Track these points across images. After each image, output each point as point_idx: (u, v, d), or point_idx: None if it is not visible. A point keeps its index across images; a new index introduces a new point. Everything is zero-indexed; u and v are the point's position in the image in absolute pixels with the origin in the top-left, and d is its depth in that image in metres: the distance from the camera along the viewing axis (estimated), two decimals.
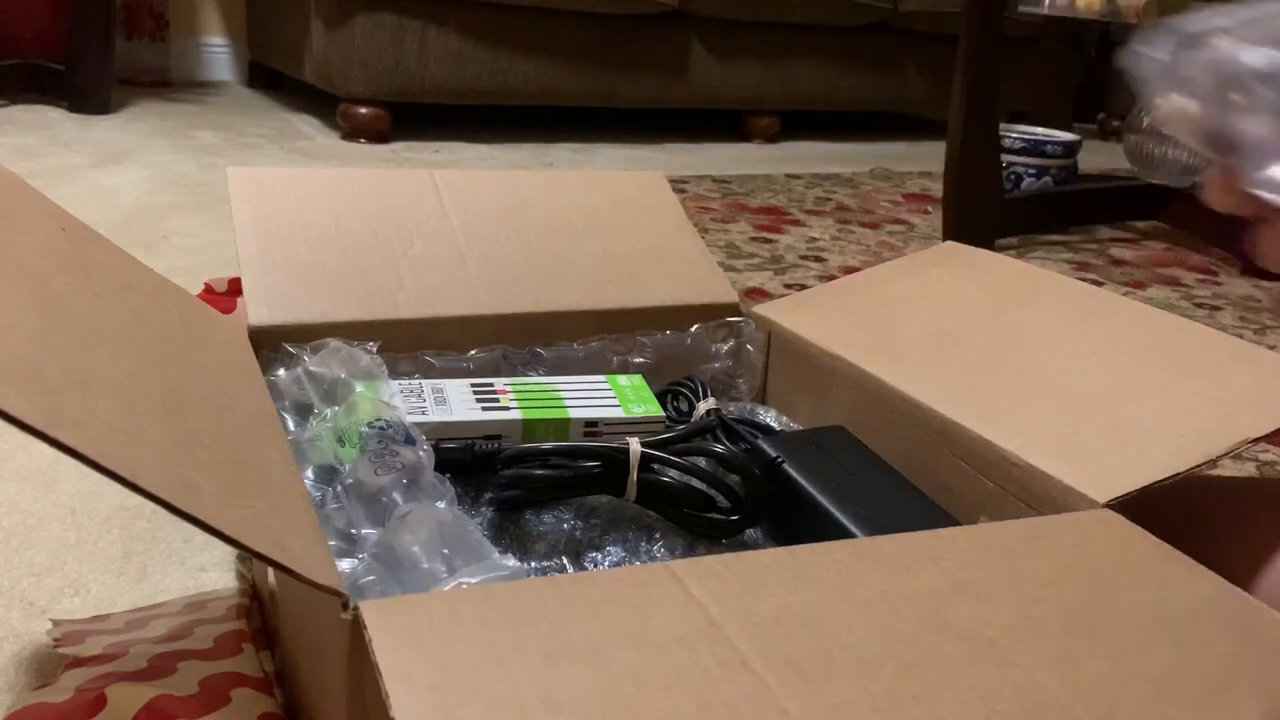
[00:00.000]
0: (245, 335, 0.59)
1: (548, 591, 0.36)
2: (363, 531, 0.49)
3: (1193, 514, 0.52)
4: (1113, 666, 0.36)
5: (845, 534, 0.52)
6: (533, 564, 0.53)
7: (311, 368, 0.58)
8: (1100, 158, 2.53)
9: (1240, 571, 0.47)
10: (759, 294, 1.26)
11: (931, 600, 0.38)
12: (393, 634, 0.33)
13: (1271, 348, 0.57)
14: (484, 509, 0.56)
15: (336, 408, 0.56)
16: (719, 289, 0.73)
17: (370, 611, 0.34)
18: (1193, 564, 0.42)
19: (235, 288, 0.98)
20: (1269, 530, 0.49)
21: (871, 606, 0.37)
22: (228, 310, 0.78)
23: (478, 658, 0.32)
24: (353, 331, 0.62)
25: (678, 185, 1.82)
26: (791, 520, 0.56)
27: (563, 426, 0.61)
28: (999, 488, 0.52)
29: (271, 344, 0.60)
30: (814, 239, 1.57)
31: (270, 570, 0.46)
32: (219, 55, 2.58)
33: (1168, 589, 0.41)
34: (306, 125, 2.13)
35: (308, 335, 0.61)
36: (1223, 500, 0.54)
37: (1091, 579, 0.40)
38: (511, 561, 0.45)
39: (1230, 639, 0.38)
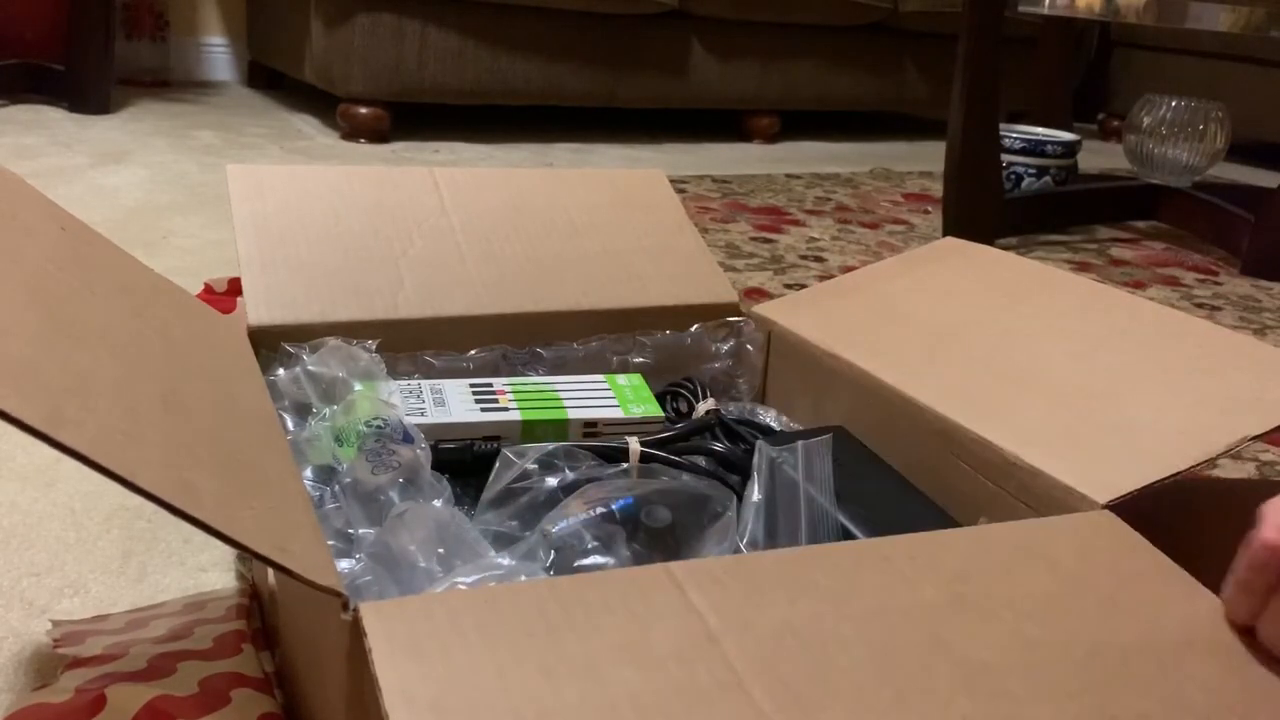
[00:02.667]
0: (245, 335, 0.59)
1: (548, 595, 0.36)
2: (360, 531, 0.49)
3: (1191, 513, 0.52)
4: (1102, 700, 0.35)
5: (845, 535, 0.52)
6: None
7: (311, 367, 0.58)
8: (1100, 158, 2.53)
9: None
10: (759, 294, 1.26)
11: (929, 615, 0.38)
12: (392, 643, 0.33)
13: None
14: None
15: (335, 407, 0.55)
16: (719, 289, 0.73)
17: (370, 614, 0.34)
18: (1189, 580, 0.42)
19: (235, 288, 0.98)
20: None
21: (870, 623, 0.37)
22: (228, 310, 0.78)
23: (476, 671, 0.32)
24: (352, 331, 0.62)
25: (678, 185, 1.82)
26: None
27: (562, 427, 0.61)
28: (999, 488, 0.52)
29: (271, 344, 0.60)
30: (814, 239, 1.57)
31: (270, 570, 0.46)
32: (219, 55, 2.58)
33: (1163, 609, 0.40)
34: (306, 125, 2.13)
35: (307, 335, 0.61)
36: (1221, 500, 0.54)
37: (1088, 597, 0.40)
38: (507, 561, 0.45)
39: (1220, 673, 0.38)
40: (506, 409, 0.60)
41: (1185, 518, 0.48)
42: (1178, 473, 0.48)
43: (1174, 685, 0.37)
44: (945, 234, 1.57)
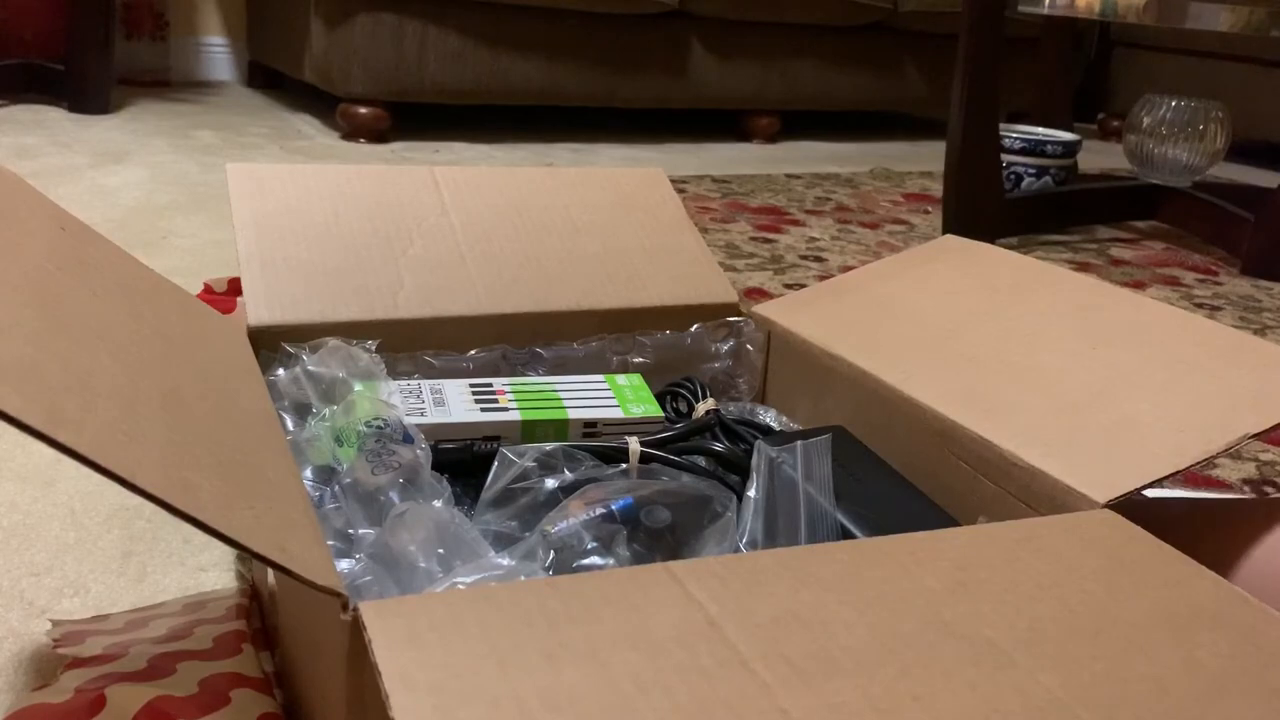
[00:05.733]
0: (245, 335, 0.59)
1: (547, 592, 0.36)
2: (360, 531, 0.49)
3: (1187, 532, 0.52)
4: (1113, 666, 0.36)
5: (845, 535, 0.52)
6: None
7: (310, 367, 0.58)
8: (1100, 158, 2.53)
9: (1233, 570, 0.47)
10: (759, 294, 1.26)
11: (931, 600, 0.38)
12: (392, 635, 0.33)
13: None
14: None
15: (335, 407, 0.55)
16: (719, 288, 0.73)
17: (370, 612, 0.34)
18: (1193, 564, 0.42)
19: (235, 288, 0.98)
20: (1261, 529, 0.49)
21: (871, 606, 0.37)
22: (228, 310, 0.78)
23: (477, 658, 0.32)
24: (352, 331, 0.62)
25: (678, 185, 1.82)
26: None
27: (561, 427, 0.61)
28: (999, 488, 0.52)
29: (271, 344, 0.60)
30: (814, 239, 1.57)
31: (270, 570, 0.46)
32: (219, 55, 2.58)
33: (1168, 589, 0.40)
34: (306, 125, 2.13)
35: (307, 335, 0.61)
36: (1216, 520, 0.54)
37: (1091, 579, 0.40)
38: (507, 561, 0.45)
39: (1231, 639, 0.38)
40: (506, 409, 0.60)
41: (1181, 536, 0.48)
42: (1177, 471, 0.48)
43: (1185, 652, 0.37)
44: (945, 234, 1.57)
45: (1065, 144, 1.78)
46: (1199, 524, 0.52)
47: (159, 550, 0.64)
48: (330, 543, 0.47)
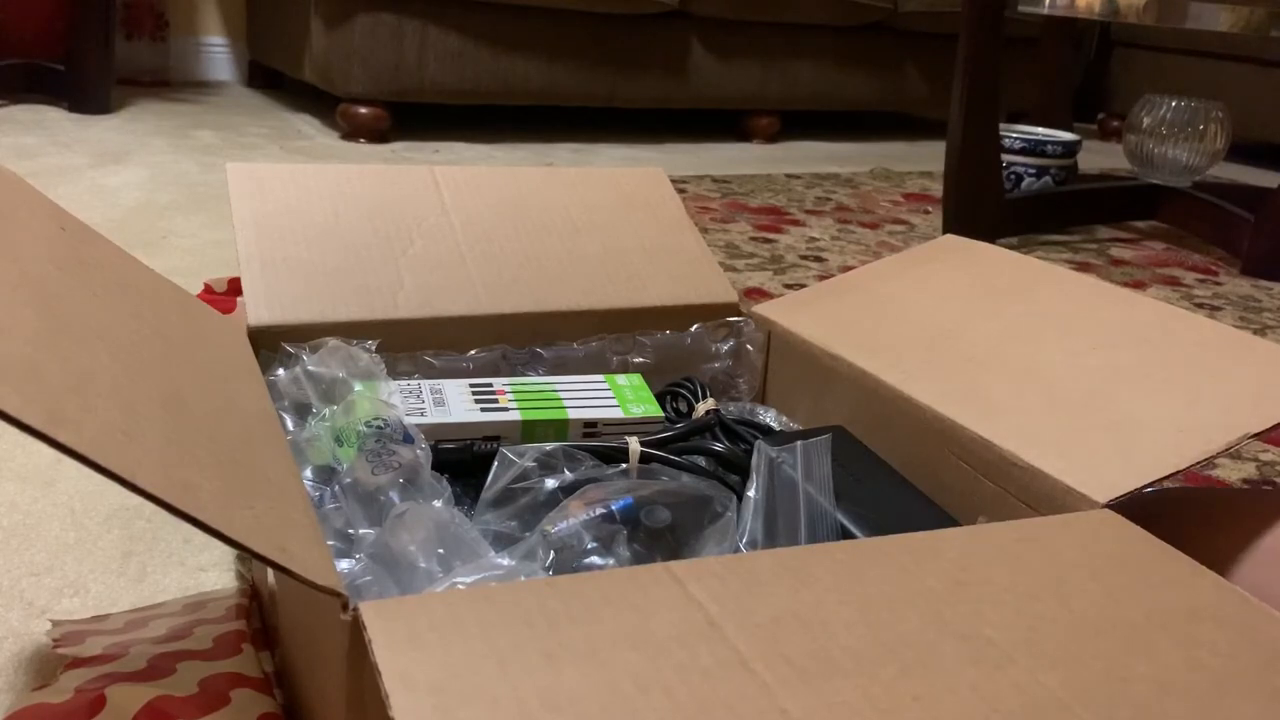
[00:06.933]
0: (245, 335, 0.59)
1: (548, 591, 0.36)
2: (360, 531, 0.49)
3: (1188, 524, 0.52)
4: (1113, 666, 0.36)
5: (845, 535, 0.52)
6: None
7: (310, 367, 0.58)
8: (1100, 158, 2.53)
9: (1230, 569, 0.47)
10: (759, 294, 1.26)
11: (931, 600, 0.38)
12: (392, 635, 0.33)
13: None
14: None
15: (335, 407, 0.55)
16: (719, 288, 0.73)
17: (370, 612, 0.34)
18: (1193, 564, 0.42)
19: (235, 288, 0.98)
20: (1261, 526, 0.50)
21: (871, 606, 0.37)
22: (228, 310, 0.78)
23: (477, 658, 0.32)
24: (352, 331, 0.62)
25: (678, 185, 1.82)
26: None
27: (562, 427, 0.61)
28: (999, 488, 0.52)
29: (271, 344, 0.60)
30: (814, 239, 1.57)
31: (270, 570, 0.46)
32: (219, 55, 2.58)
33: (1168, 589, 0.40)
34: (306, 125, 2.13)
35: (307, 335, 0.61)
36: (1216, 510, 0.54)
37: (1091, 579, 0.40)
38: (507, 561, 0.45)
39: (1230, 639, 0.38)
40: (506, 409, 0.60)
41: (1183, 528, 0.48)
42: (1177, 471, 0.48)
43: (1186, 652, 0.37)
44: (945, 234, 1.57)
45: (1065, 144, 1.78)
46: (1199, 518, 0.52)
47: (159, 550, 0.64)
48: (330, 543, 0.47)
